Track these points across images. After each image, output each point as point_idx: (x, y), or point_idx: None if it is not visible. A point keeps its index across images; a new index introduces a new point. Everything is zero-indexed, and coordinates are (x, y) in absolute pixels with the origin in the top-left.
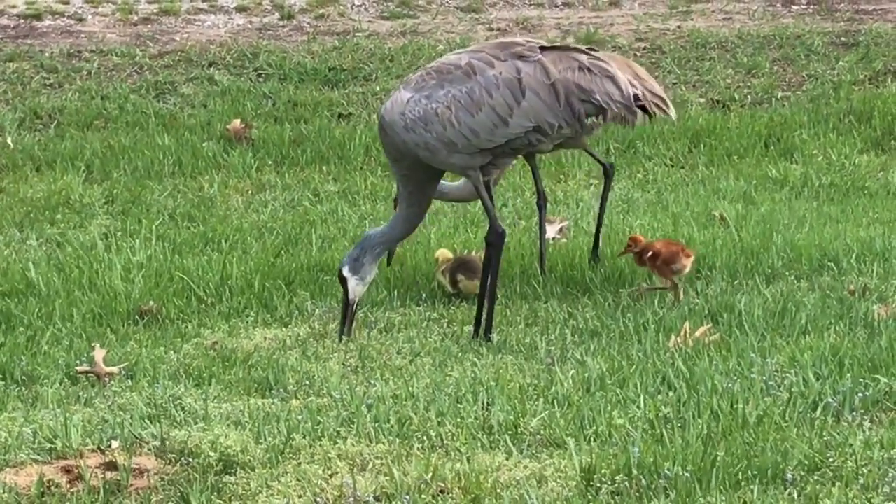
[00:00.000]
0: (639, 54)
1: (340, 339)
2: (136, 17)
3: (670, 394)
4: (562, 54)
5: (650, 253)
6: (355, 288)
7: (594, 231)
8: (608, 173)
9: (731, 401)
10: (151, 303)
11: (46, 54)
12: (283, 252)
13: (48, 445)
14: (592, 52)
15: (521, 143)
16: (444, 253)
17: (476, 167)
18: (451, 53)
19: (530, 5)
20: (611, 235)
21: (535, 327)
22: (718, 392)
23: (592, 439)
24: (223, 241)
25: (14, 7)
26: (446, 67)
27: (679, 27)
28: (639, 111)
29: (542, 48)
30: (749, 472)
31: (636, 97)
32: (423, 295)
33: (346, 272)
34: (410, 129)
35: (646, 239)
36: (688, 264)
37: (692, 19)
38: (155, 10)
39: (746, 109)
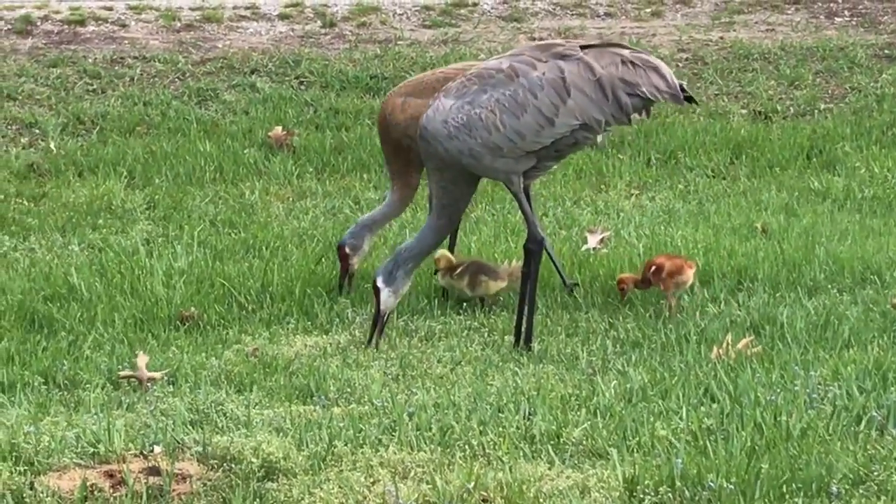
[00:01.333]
0: (681, 65)
1: (367, 347)
2: (178, 24)
3: (713, 405)
4: (603, 51)
5: (653, 268)
6: (387, 300)
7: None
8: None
9: (775, 413)
10: (192, 309)
11: (90, 60)
12: (323, 259)
13: (91, 450)
14: (633, 48)
15: (567, 142)
16: (445, 255)
17: (519, 172)
18: (490, 59)
19: (572, 15)
20: (652, 247)
21: (575, 337)
22: (762, 404)
23: (635, 450)
24: (264, 247)
25: (58, 13)
26: (487, 72)
27: (721, 38)
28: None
29: (583, 47)
30: (793, 485)
31: (682, 87)
32: (464, 304)
33: (380, 283)
34: (454, 136)
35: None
36: (691, 276)
37: (735, 30)
38: (198, 17)
39: (789, 121)
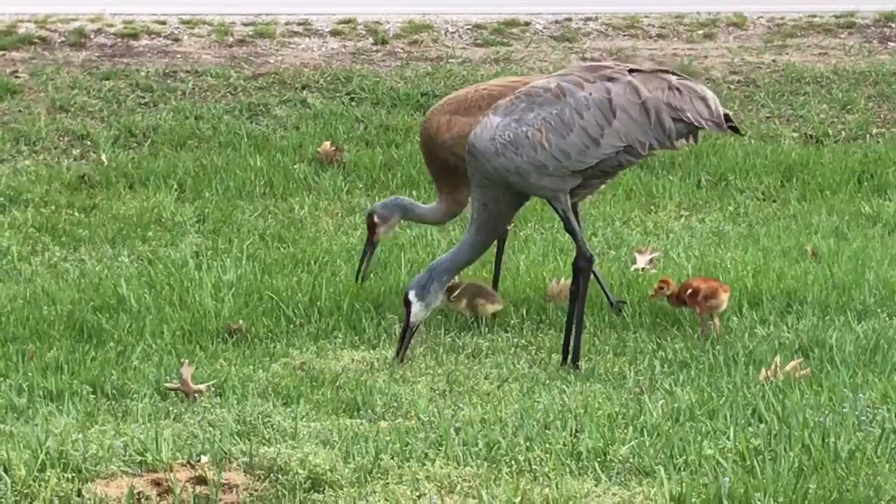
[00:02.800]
0: (733, 87)
1: (396, 360)
2: (231, 39)
3: (761, 426)
4: (650, 76)
5: (689, 290)
6: (418, 313)
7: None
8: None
9: (823, 435)
10: (241, 322)
11: (142, 73)
12: (372, 275)
13: (138, 458)
14: (681, 75)
15: (612, 163)
16: None
17: (566, 191)
18: (540, 78)
19: (624, 36)
20: (702, 268)
21: (623, 357)
22: (810, 426)
23: (682, 469)
24: (313, 262)
25: (112, 26)
26: (535, 91)
27: (774, 61)
28: (729, 130)
29: (631, 70)
30: None
31: (727, 117)
32: (512, 321)
33: (412, 296)
34: (501, 153)
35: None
36: (725, 299)
37: (787, 54)
38: (250, 33)
39: (840, 145)
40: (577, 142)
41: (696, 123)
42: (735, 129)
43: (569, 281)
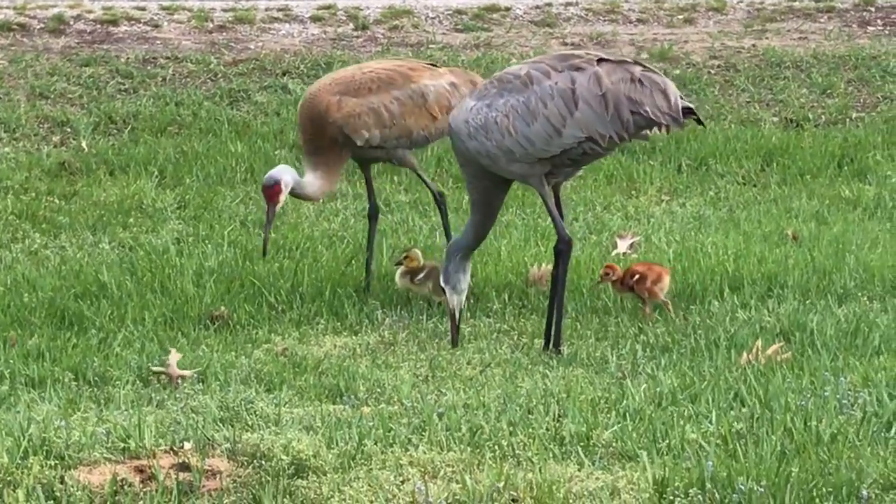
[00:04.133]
0: (713, 72)
1: (452, 347)
2: (211, 25)
3: (743, 410)
4: (616, 66)
5: (636, 276)
6: (451, 297)
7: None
8: (439, 201)
9: (805, 418)
10: (223, 308)
11: (122, 60)
12: (353, 261)
13: (121, 445)
14: (648, 66)
15: (576, 153)
16: (416, 255)
17: (538, 175)
18: (515, 64)
19: (604, 21)
20: (683, 253)
21: (605, 341)
22: (792, 409)
23: (665, 453)
24: (294, 248)
25: (91, 13)
26: (507, 77)
27: (754, 46)
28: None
29: (600, 60)
30: (823, 489)
31: (687, 109)
32: (494, 306)
33: (443, 283)
34: (473, 136)
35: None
36: (668, 282)
37: (767, 38)
38: (230, 19)
39: (820, 129)
40: (541, 130)
41: (653, 117)
42: (699, 121)
43: (550, 266)
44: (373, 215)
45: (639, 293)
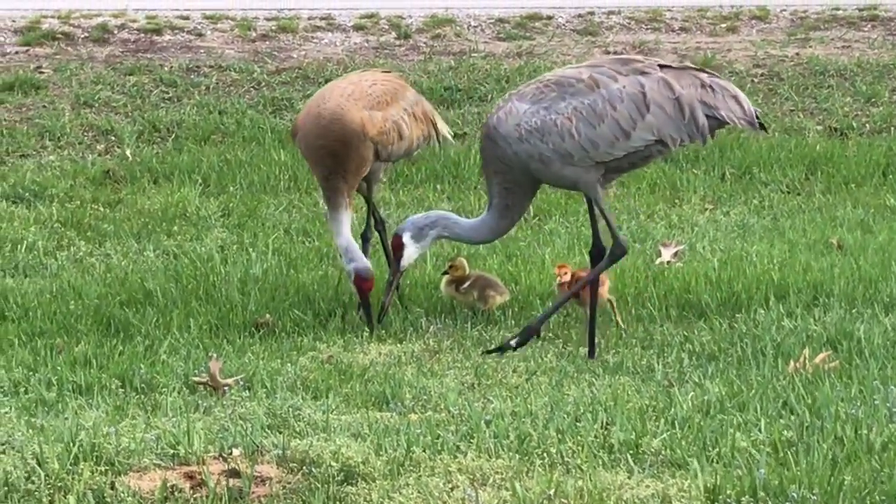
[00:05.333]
0: (756, 80)
1: (380, 316)
2: (254, 34)
3: (792, 418)
4: (682, 72)
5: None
6: (411, 256)
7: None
8: (380, 229)
9: (856, 426)
10: (267, 315)
11: (166, 69)
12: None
13: (170, 451)
14: (713, 73)
15: (639, 157)
16: (463, 264)
17: (592, 180)
18: (566, 68)
19: (647, 29)
20: (727, 261)
21: (651, 350)
22: (842, 418)
23: (715, 461)
24: (338, 256)
25: (135, 21)
26: (567, 80)
27: (797, 54)
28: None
29: (661, 66)
30: (877, 497)
31: (756, 115)
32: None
33: (407, 238)
34: (525, 139)
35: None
36: (605, 291)
37: (811, 47)
38: (273, 27)
39: (865, 138)
40: (608, 133)
41: (729, 122)
42: (763, 127)
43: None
44: (367, 238)
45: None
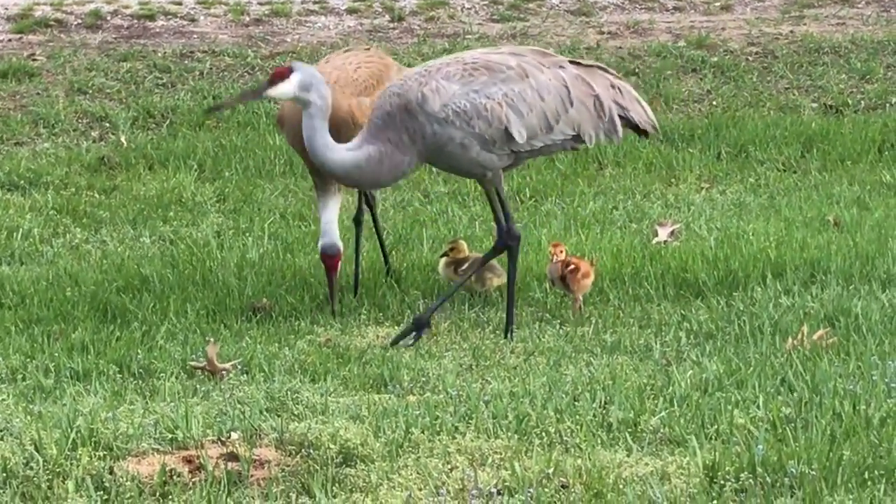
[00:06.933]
0: (751, 59)
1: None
2: (247, 19)
3: (791, 395)
4: (593, 70)
5: (571, 266)
6: (282, 93)
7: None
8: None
9: (854, 402)
10: (264, 300)
11: (159, 54)
12: (394, 251)
13: (169, 436)
14: (617, 74)
15: (552, 149)
16: (463, 245)
17: (497, 169)
18: (487, 51)
19: (641, 9)
20: (724, 240)
21: (648, 329)
22: (840, 394)
23: (714, 438)
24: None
25: (127, 7)
26: (497, 66)
27: (791, 32)
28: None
29: (571, 62)
30: (875, 472)
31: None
32: (536, 295)
33: (294, 78)
34: (451, 121)
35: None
36: (589, 283)
37: (805, 24)
38: (266, 12)
39: (860, 115)
40: (535, 123)
41: (639, 125)
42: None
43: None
44: (360, 220)
45: (570, 283)
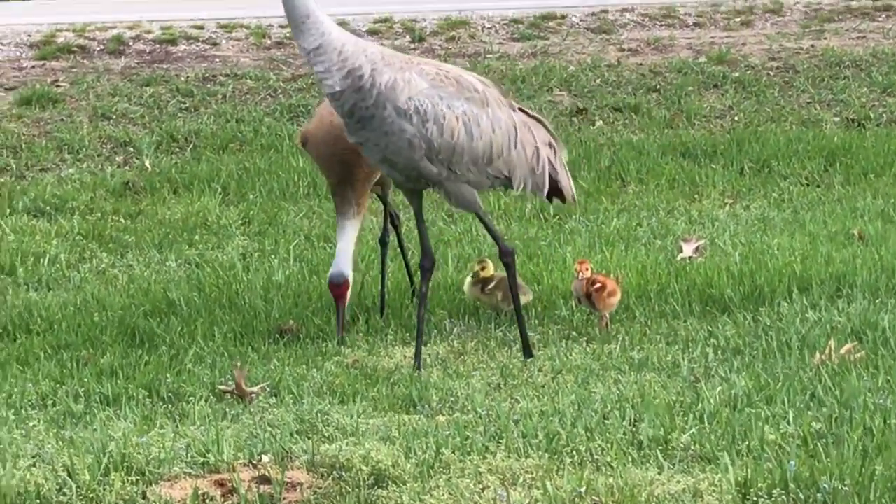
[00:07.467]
0: (772, 73)
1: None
2: (268, 41)
3: (821, 410)
4: (536, 123)
5: (597, 285)
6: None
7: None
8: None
9: (885, 416)
10: (291, 322)
11: (182, 78)
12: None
13: (200, 460)
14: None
15: (483, 185)
16: (490, 264)
17: (414, 189)
18: (463, 70)
19: (661, 26)
20: (749, 255)
21: (675, 345)
22: (870, 408)
23: (745, 454)
24: (359, 261)
25: (150, 33)
26: (466, 83)
27: (812, 46)
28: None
29: (521, 109)
30: None
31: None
32: (562, 313)
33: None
34: (408, 115)
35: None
36: (616, 302)
37: (825, 38)
38: (287, 34)
39: (882, 128)
40: (479, 152)
41: (564, 191)
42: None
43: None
44: (385, 241)
45: (596, 302)
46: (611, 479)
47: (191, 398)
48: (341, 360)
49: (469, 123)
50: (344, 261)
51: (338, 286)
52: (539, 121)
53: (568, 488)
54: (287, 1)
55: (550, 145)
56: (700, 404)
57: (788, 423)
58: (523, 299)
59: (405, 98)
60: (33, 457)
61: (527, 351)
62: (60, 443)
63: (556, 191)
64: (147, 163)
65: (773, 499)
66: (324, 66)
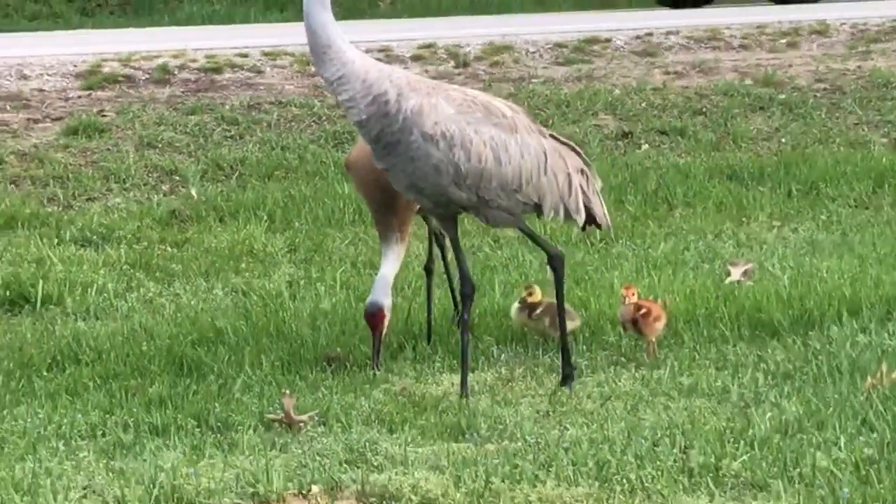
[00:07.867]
0: (818, 95)
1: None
2: (312, 69)
3: (873, 435)
4: (568, 150)
5: (643, 310)
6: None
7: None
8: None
9: None
10: (338, 350)
11: (227, 107)
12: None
13: (250, 490)
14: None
15: (512, 210)
16: (538, 289)
17: (444, 214)
18: (490, 96)
19: (706, 48)
20: (798, 279)
21: (725, 370)
22: None
23: (797, 481)
24: (406, 287)
25: (194, 61)
26: (494, 109)
27: (859, 67)
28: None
29: (552, 136)
30: None
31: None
32: (609, 338)
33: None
34: (434, 140)
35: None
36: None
37: (872, 59)
38: None
39: None
40: (508, 178)
41: (597, 218)
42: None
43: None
44: (430, 269)
45: (642, 328)
46: None
47: (239, 427)
48: (389, 387)
49: (497, 149)
50: (382, 290)
51: (372, 315)
52: (571, 147)
53: None
54: (308, 31)
55: (583, 172)
56: (751, 430)
57: (840, 448)
58: (571, 325)
59: (431, 123)
60: (84, 488)
61: (566, 372)
62: (111, 474)
63: (590, 218)
64: (193, 191)
65: None
66: (348, 94)
